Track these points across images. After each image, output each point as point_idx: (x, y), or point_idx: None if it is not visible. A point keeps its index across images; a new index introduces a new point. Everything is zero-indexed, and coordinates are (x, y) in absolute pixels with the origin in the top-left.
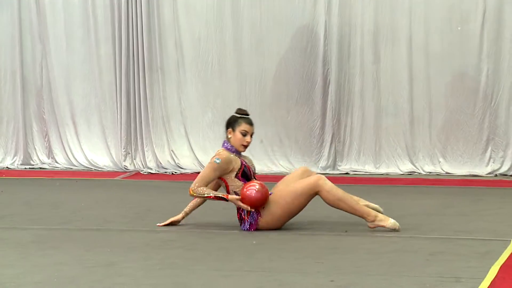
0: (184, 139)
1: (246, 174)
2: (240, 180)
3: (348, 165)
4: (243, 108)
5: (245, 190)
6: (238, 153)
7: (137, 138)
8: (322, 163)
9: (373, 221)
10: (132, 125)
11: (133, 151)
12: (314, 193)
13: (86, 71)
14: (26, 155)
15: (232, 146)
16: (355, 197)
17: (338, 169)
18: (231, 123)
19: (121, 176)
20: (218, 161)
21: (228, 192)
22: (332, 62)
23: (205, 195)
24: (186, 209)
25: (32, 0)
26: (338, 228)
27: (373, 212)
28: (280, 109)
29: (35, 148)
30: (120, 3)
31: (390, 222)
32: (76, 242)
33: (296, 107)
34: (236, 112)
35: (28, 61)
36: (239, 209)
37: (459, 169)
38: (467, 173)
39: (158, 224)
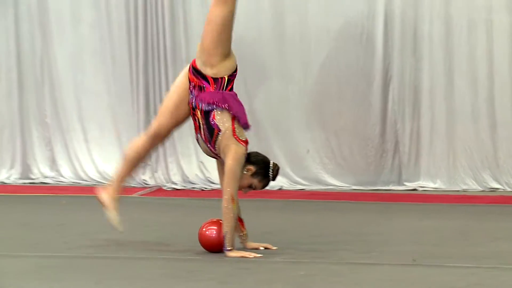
0: None
1: None
2: None
3: (416, 180)
4: (278, 169)
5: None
6: None
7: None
8: (384, 177)
9: None
10: None
11: (154, 162)
12: None
13: (97, 64)
14: (24, 168)
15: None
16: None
17: (404, 185)
18: (259, 167)
19: (140, 192)
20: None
21: None
22: (393, 55)
23: (236, 215)
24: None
25: None
26: (403, 256)
27: None
28: (330, 112)
29: (35, 159)
30: None
31: None
32: (84, 273)
33: (350, 110)
34: (273, 169)
35: (26, 53)
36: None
37: None
38: None
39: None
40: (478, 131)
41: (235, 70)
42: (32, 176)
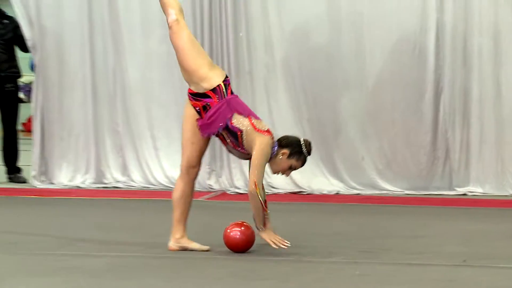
0: None
1: None
2: None
3: (466, 186)
4: (309, 143)
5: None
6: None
7: (222, 153)
8: (435, 183)
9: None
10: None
11: (218, 168)
12: None
13: (166, 75)
14: (98, 173)
15: (273, 154)
16: None
17: (454, 190)
18: (292, 148)
19: (205, 196)
20: (270, 152)
21: None
22: (444, 67)
23: (264, 205)
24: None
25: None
26: (454, 257)
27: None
28: (384, 121)
29: (108, 165)
30: (203, 1)
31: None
32: (155, 272)
33: (403, 119)
34: (305, 144)
35: (100, 64)
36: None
37: None
38: None
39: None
40: None
41: (226, 76)
42: (105, 181)
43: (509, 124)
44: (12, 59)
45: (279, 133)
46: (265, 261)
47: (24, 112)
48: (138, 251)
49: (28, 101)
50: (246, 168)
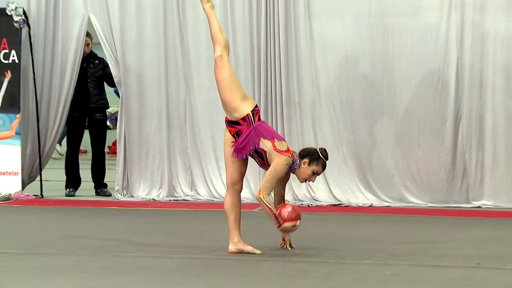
0: None
1: None
2: None
3: (480, 200)
4: (324, 149)
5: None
6: (291, 170)
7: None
8: (454, 197)
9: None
10: None
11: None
12: None
13: None
14: (170, 188)
15: (294, 169)
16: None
17: (470, 203)
18: (310, 156)
19: (259, 208)
20: (285, 170)
21: None
22: (463, 99)
23: (270, 207)
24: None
25: (178, 40)
26: (470, 259)
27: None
28: (411, 144)
29: (179, 181)
30: (260, 44)
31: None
32: (217, 271)
33: (427, 143)
34: (320, 151)
35: (173, 98)
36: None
37: None
38: None
39: None
40: None
41: (256, 106)
42: (176, 195)
43: None
44: (101, 93)
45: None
46: (309, 262)
47: (110, 137)
48: (202, 253)
49: (114, 128)
50: (294, 185)
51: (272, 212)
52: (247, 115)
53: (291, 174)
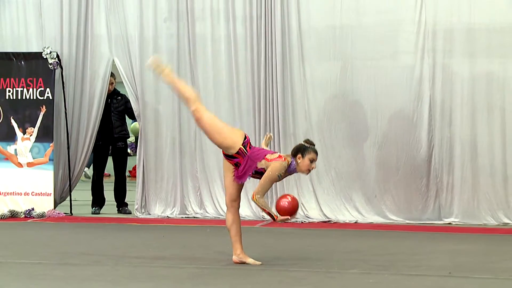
0: (311, 194)
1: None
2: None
3: (450, 217)
4: (308, 139)
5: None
6: (291, 171)
7: (272, 194)
8: (428, 214)
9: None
10: None
11: (269, 203)
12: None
13: None
14: (182, 207)
15: (295, 168)
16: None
17: (442, 220)
18: (300, 150)
19: (260, 224)
20: (279, 176)
21: None
22: (435, 130)
23: (265, 208)
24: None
25: (189, 79)
26: (443, 269)
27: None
28: (390, 168)
29: (190, 201)
30: (260, 82)
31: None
32: (223, 279)
33: (405, 168)
34: (305, 142)
35: (185, 129)
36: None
37: None
38: None
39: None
40: (495, 183)
41: (245, 137)
42: (187, 213)
43: (482, 173)
44: (123, 124)
45: (314, 178)
46: (303, 271)
47: (130, 162)
48: (210, 263)
49: (134, 154)
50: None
51: (266, 211)
52: (239, 149)
53: (296, 173)
